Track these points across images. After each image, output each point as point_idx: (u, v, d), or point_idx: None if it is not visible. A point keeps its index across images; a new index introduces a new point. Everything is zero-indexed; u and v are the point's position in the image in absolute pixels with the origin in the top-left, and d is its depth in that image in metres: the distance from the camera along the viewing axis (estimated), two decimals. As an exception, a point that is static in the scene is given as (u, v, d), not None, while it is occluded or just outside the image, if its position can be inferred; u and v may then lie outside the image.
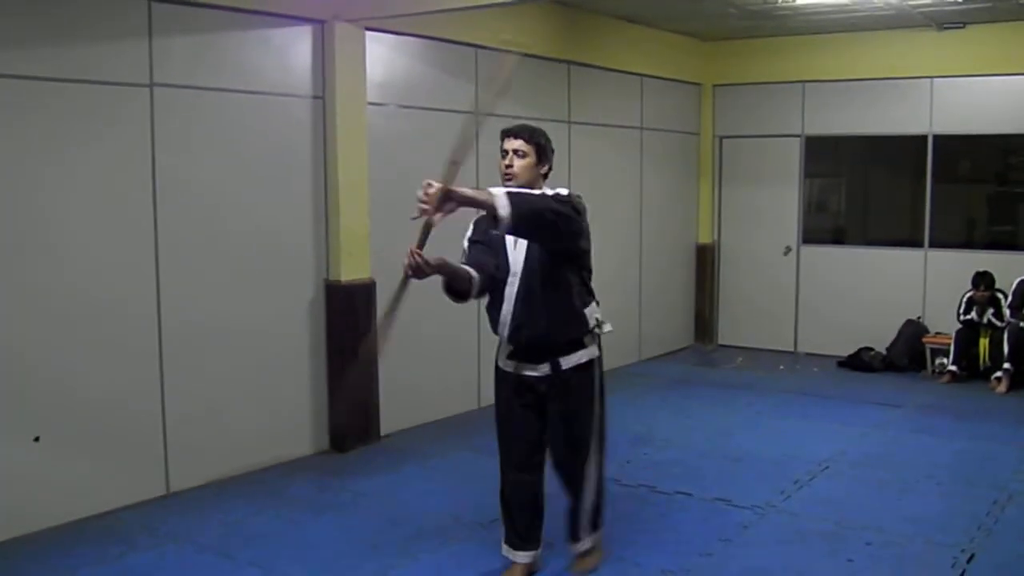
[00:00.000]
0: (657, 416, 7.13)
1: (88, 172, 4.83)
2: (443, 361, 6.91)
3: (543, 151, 3.90)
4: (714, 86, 9.90)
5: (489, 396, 7.23)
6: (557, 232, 3.68)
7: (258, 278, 5.69)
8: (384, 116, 6.34)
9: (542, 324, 3.88)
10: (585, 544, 4.25)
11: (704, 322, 10.16)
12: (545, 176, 3.95)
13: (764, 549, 4.57)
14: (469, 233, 4.06)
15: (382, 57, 6.31)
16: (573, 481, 4.11)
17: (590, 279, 4.03)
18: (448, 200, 3.31)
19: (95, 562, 4.37)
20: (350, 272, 6.05)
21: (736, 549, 4.57)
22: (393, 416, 6.43)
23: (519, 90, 7.45)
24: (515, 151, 3.86)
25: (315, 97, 5.93)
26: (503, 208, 3.41)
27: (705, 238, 10.10)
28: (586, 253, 3.95)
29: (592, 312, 3.99)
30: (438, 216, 3.31)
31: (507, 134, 3.91)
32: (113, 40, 4.91)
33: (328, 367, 6.08)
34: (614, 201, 8.66)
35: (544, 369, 3.97)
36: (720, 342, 10.17)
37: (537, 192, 3.78)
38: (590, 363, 4.02)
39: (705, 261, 10.09)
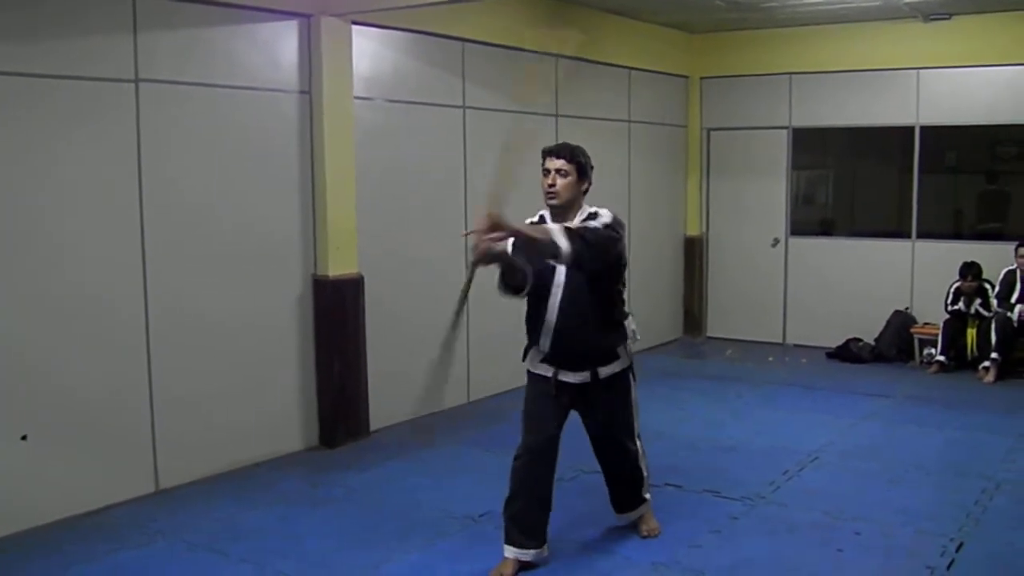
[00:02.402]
0: (646, 408, 7.01)
1: (73, 169, 4.79)
2: (432, 356, 6.88)
3: (583, 169, 4.07)
4: (701, 78, 9.91)
5: (478, 390, 7.30)
6: (608, 258, 3.91)
7: (245, 273, 5.66)
8: (371, 110, 6.32)
9: (586, 335, 4.05)
10: (636, 513, 4.55)
11: (693, 314, 10.18)
12: (585, 192, 4.11)
13: (754, 540, 4.58)
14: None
15: (368, 51, 6.28)
16: (615, 461, 4.40)
17: (624, 291, 4.23)
18: (498, 230, 3.53)
19: (85, 560, 4.35)
20: (337, 267, 6.03)
21: (726, 540, 4.58)
22: (382, 411, 6.42)
23: (506, 84, 7.43)
24: (557, 170, 4.02)
25: (301, 92, 5.90)
26: (564, 246, 3.63)
27: (693, 230, 10.11)
28: (624, 267, 4.15)
29: (630, 324, 4.23)
30: (487, 242, 3.58)
31: (548, 153, 4.07)
32: (97, 35, 4.86)
33: (316, 363, 6.07)
34: (602, 194, 8.58)
35: (583, 376, 4.11)
36: (709, 334, 10.18)
37: (590, 226, 3.87)
38: (624, 372, 4.22)
39: (693, 253, 10.10)
